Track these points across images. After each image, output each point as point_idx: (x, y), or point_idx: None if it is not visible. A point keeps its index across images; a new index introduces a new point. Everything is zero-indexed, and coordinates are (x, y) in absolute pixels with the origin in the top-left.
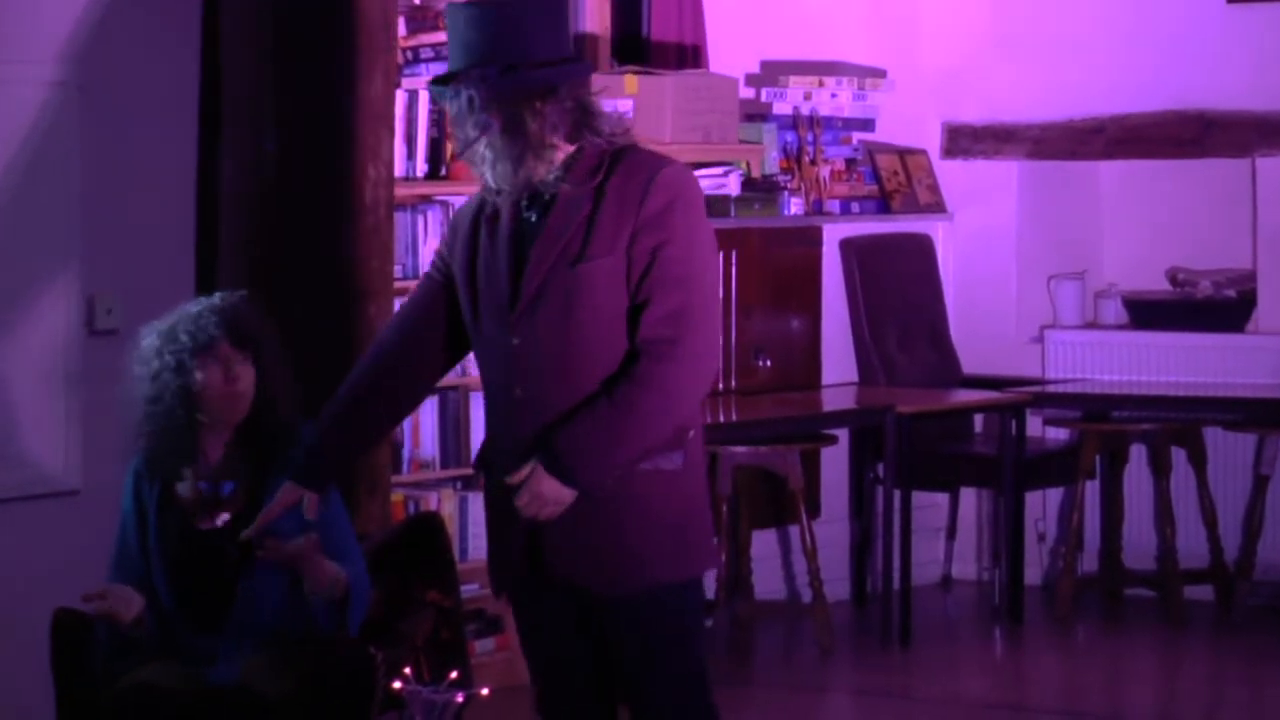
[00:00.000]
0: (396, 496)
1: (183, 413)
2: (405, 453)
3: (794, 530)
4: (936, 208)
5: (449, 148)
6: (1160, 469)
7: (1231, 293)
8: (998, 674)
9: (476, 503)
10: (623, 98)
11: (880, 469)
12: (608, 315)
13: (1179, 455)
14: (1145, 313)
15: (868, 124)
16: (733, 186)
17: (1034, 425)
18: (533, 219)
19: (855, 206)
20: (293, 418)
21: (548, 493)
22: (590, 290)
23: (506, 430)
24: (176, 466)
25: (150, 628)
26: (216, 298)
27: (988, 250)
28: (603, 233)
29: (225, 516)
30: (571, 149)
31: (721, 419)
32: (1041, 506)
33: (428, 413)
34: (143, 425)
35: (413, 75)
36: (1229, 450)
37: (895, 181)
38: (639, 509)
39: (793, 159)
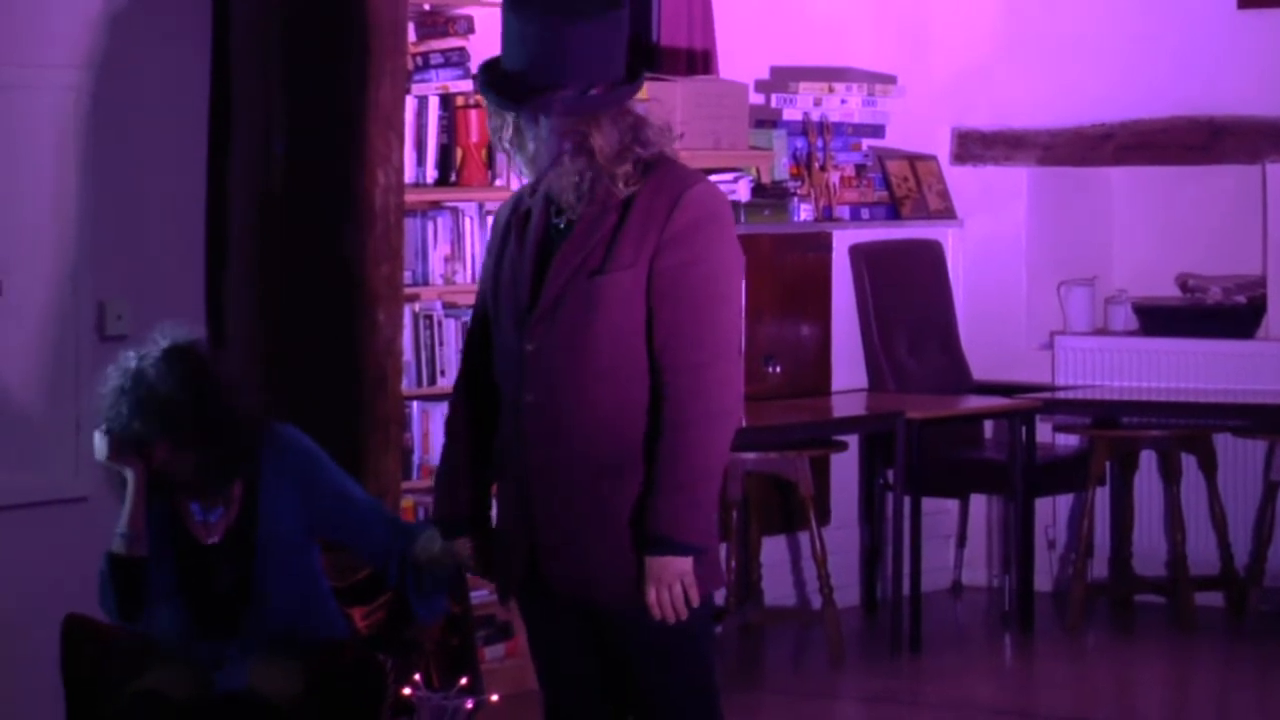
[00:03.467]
0: (406, 503)
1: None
2: (415, 459)
3: (804, 536)
4: (946, 214)
5: (459, 154)
6: (1170, 475)
7: (1241, 299)
8: (1008, 680)
9: None
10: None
11: (890, 475)
12: (624, 328)
13: (1189, 462)
14: (1155, 319)
15: (878, 130)
16: (743, 193)
17: (1044, 432)
18: (561, 226)
19: (865, 213)
20: (256, 421)
21: (668, 575)
22: (607, 302)
23: (515, 434)
24: (173, 490)
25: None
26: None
27: (998, 256)
28: (626, 246)
29: (217, 536)
30: (627, 166)
31: None
32: (1052, 513)
33: (437, 419)
34: None
35: (423, 81)
36: (1239, 457)
37: (905, 188)
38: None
39: (803, 165)
